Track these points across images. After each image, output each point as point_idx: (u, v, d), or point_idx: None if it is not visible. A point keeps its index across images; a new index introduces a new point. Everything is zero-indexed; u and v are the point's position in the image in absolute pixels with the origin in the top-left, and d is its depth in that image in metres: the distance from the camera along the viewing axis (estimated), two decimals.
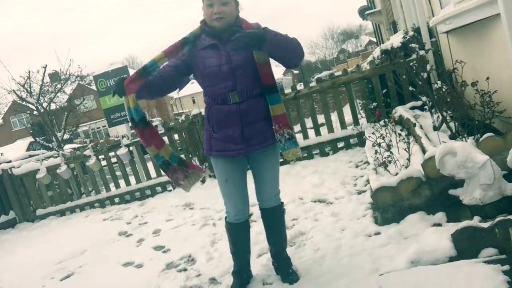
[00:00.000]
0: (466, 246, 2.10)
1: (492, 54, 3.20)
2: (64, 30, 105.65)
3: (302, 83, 5.99)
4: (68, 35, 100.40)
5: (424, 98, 3.75)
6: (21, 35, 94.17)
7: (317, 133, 5.70)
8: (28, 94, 15.94)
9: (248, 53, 2.23)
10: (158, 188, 6.32)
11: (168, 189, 6.27)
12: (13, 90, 15.90)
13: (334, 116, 5.70)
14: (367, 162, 4.38)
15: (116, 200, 6.53)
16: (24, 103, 16.72)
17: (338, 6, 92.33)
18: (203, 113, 6.04)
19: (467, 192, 2.43)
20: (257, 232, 3.22)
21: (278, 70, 58.20)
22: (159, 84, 2.34)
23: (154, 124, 7.27)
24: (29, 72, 15.85)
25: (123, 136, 6.64)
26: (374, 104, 5.35)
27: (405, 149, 3.16)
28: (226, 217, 2.53)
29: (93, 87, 22.52)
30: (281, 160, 6.08)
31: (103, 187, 6.71)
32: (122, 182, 6.68)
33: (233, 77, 2.24)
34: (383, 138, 3.31)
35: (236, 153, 2.31)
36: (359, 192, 3.73)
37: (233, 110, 2.26)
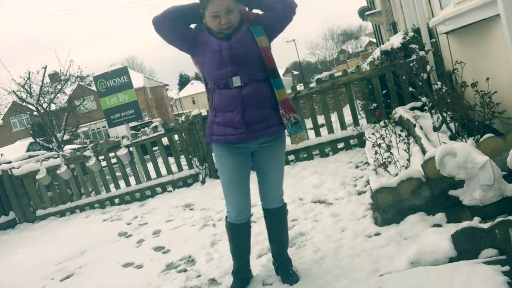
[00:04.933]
0: (466, 247, 2.10)
1: (492, 54, 3.21)
2: (64, 30, 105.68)
3: (302, 84, 5.99)
4: (68, 35, 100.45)
5: (424, 99, 3.75)
6: (21, 35, 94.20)
7: (317, 133, 5.70)
8: (28, 95, 15.96)
9: (251, 39, 2.25)
10: (158, 189, 6.32)
11: (168, 189, 6.28)
12: (13, 91, 15.92)
13: (334, 117, 5.70)
14: (367, 163, 4.38)
15: (116, 200, 6.54)
16: (24, 103, 16.75)
17: (338, 7, 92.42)
18: (203, 114, 6.10)
19: (467, 192, 2.44)
20: (257, 233, 3.22)
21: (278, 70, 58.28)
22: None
23: (154, 124, 7.27)
24: (29, 72, 15.89)
25: (123, 137, 6.64)
26: (374, 104, 5.35)
27: (405, 150, 3.16)
28: (226, 217, 2.52)
29: (93, 88, 22.56)
30: None
31: (103, 187, 6.72)
32: (122, 183, 6.68)
33: (235, 63, 2.24)
34: (383, 138, 3.31)
35: (236, 138, 2.28)
36: (359, 193, 3.73)
37: (236, 94, 2.25)
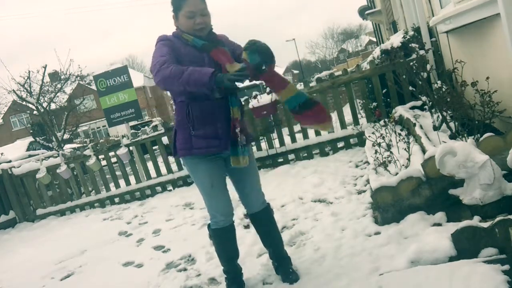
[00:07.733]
0: (466, 246, 2.10)
1: (492, 54, 3.21)
2: (64, 30, 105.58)
3: (302, 83, 5.98)
4: (68, 35, 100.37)
5: (424, 98, 3.75)
6: (21, 34, 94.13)
7: (317, 133, 5.70)
8: (28, 94, 15.96)
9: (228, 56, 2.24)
10: (158, 188, 6.32)
11: (168, 189, 6.28)
12: (13, 90, 15.92)
13: (334, 116, 5.68)
14: (367, 162, 4.38)
15: (116, 200, 6.54)
16: (24, 103, 16.75)
17: (338, 6, 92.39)
18: None
19: (467, 192, 2.44)
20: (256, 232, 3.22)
21: (277, 70, 58.27)
22: None
23: (154, 124, 7.24)
24: (29, 72, 15.89)
25: (123, 136, 6.64)
26: (374, 104, 5.35)
27: (405, 149, 3.16)
28: (211, 225, 2.46)
29: (93, 87, 22.56)
30: (281, 159, 6.04)
31: (103, 187, 6.72)
32: (122, 182, 6.69)
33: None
34: (383, 138, 3.31)
35: (219, 149, 2.27)
36: (359, 192, 3.73)
37: (218, 105, 2.24)
